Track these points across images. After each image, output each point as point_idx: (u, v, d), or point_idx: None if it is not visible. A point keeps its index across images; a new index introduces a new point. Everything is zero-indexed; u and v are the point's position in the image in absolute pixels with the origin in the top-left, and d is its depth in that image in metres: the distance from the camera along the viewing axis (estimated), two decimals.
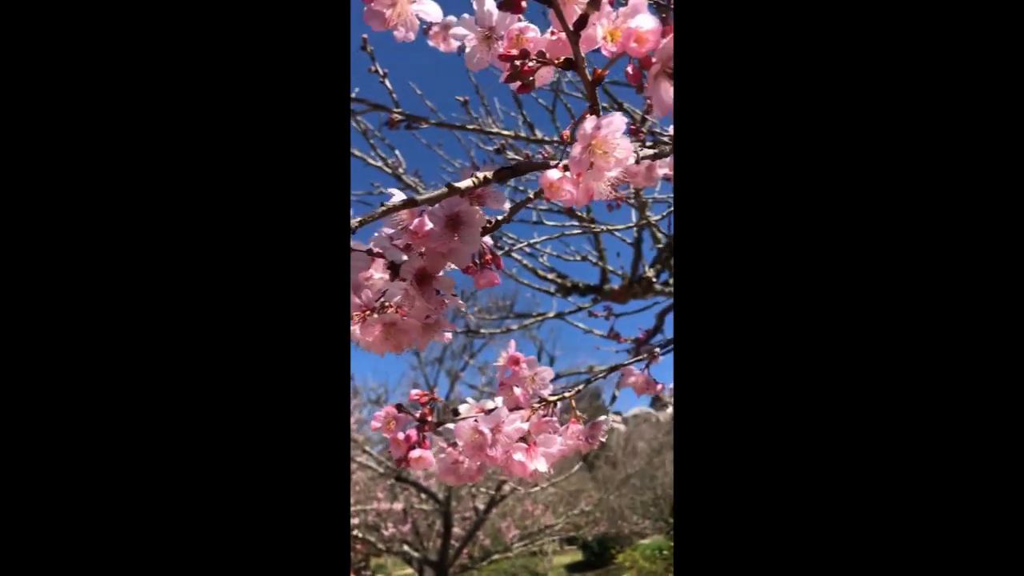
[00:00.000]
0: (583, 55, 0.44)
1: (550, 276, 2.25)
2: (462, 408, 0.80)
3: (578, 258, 2.16)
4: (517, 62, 0.42)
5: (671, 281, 2.04)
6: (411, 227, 0.48)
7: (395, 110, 1.27)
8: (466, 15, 0.48)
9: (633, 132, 1.10)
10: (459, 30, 0.49)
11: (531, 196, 0.51)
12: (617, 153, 0.42)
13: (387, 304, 0.55)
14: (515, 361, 0.75)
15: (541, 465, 0.71)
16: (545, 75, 0.49)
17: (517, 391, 0.73)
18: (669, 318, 2.00)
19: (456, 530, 4.80)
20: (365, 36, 1.33)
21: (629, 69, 0.40)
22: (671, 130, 0.92)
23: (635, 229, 1.69)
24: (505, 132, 1.41)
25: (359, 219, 0.42)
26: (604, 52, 0.40)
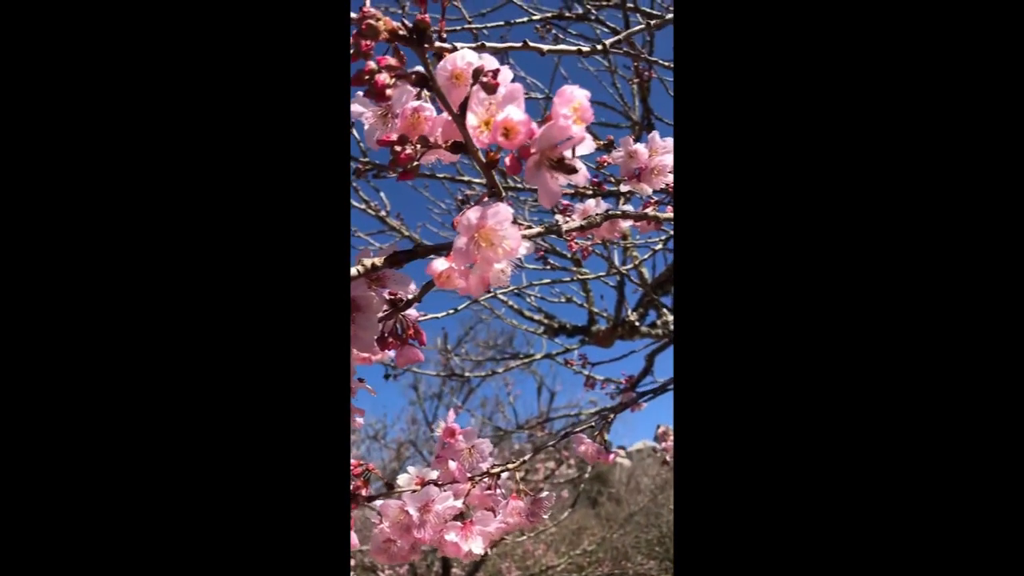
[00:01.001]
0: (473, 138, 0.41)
1: (536, 317, 2.22)
2: (401, 479, 0.76)
3: (563, 300, 2.13)
4: (397, 148, 0.40)
5: (658, 323, 2.00)
6: None
7: (362, 159, 1.26)
8: (360, 92, 0.46)
9: (596, 185, 1.08)
10: (355, 107, 0.47)
11: (431, 283, 0.48)
12: (505, 244, 0.39)
13: None
14: (451, 433, 0.71)
15: (476, 546, 0.67)
16: (449, 156, 0.46)
17: (452, 465, 0.69)
18: (659, 359, 1.96)
19: (455, 571, 4.68)
20: None
21: (507, 160, 0.37)
22: (624, 188, 0.90)
23: (617, 274, 1.66)
24: (477, 180, 1.40)
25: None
26: (477, 143, 0.38)
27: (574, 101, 0.35)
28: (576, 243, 1.14)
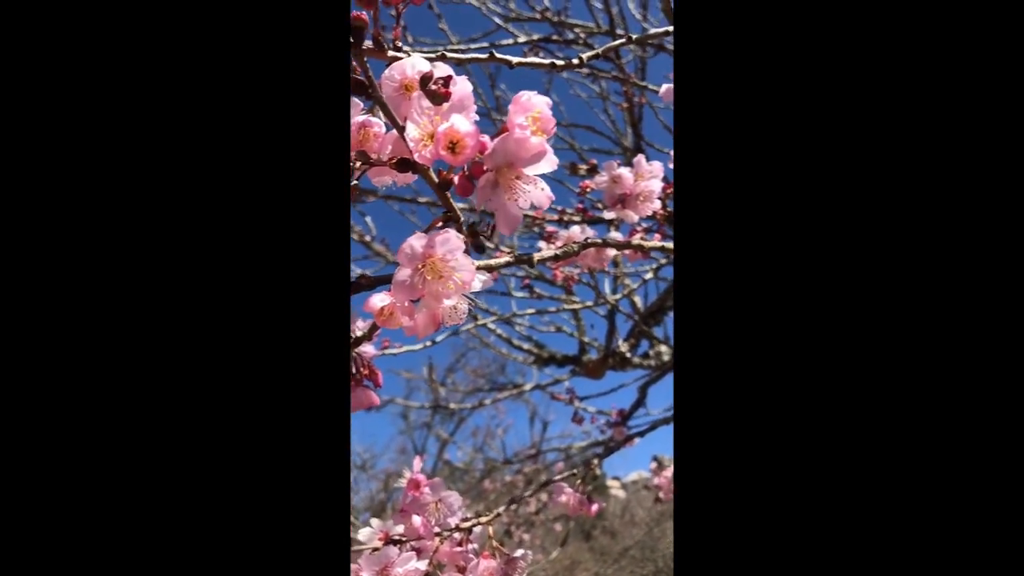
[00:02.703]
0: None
1: (525, 346, 2.16)
2: (362, 534, 0.69)
3: (553, 329, 2.07)
4: None
5: (650, 353, 1.94)
6: None
7: None
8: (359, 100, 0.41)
9: (580, 211, 1.03)
10: None
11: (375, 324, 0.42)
12: (456, 277, 0.34)
13: None
14: (415, 485, 0.64)
15: None
16: (401, 176, 0.41)
17: (417, 521, 0.62)
18: (652, 391, 1.89)
19: None
20: None
21: (456, 179, 0.32)
22: (608, 215, 0.85)
23: (605, 304, 1.61)
24: (460, 205, 1.35)
25: None
26: (419, 159, 0.32)
27: (532, 109, 0.29)
28: (561, 271, 1.08)
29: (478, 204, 0.31)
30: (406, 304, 0.35)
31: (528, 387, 2.22)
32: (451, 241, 0.33)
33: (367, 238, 1.94)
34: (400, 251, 0.33)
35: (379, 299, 0.35)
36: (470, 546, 0.67)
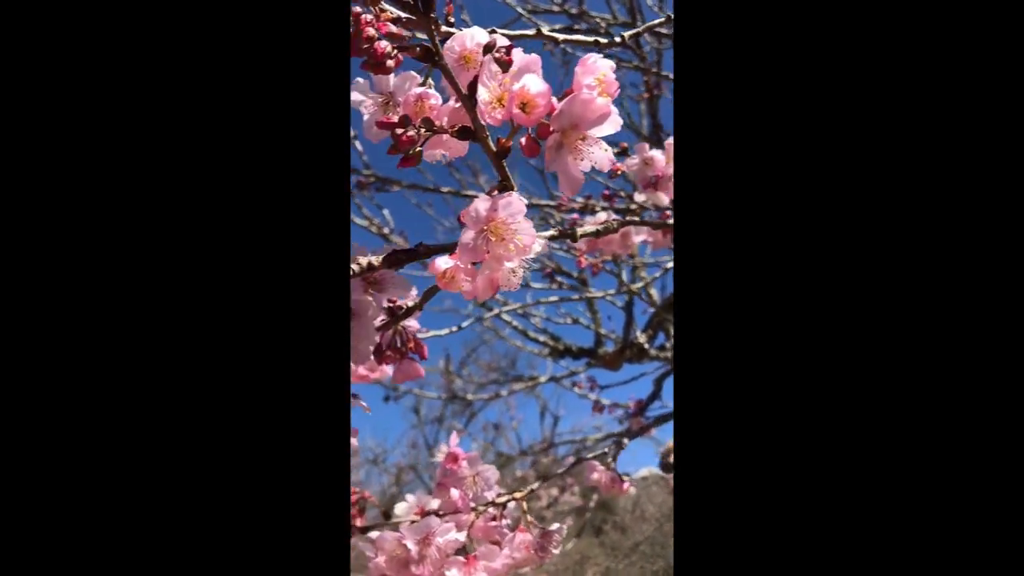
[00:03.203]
0: (483, 124, 0.37)
1: (541, 338, 2.17)
2: (399, 508, 0.70)
3: (569, 321, 2.07)
4: (398, 131, 0.36)
5: (667, 345, 1.94)
6: None
7: (364, 172, 1.22)
8: (360, 78, 0.42)
9: (607, 198, 1.04)
10: (355, 96, 0.42)
11: (435, 287, 0.43)
12: (517, 240, 0.35)
13: None
14: (453, 459, 0.65)
15: None
16: (457, 147, 0.42)
17: (455, 494, 0.64)
18: (667, 383, 1.90)
19: None
20: None
21: (523, 140, 0.33)
22: (639, 197, 0.86)
23: (627, 293, 1.61)
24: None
25: None
26: (489, 120, 0.33)
27: (598, 71, 0.30)
28: (585, 259, 1.09)
29: (547, 166, 0.33)
30: (468, 266, 0.36)
31: (543, 379, 2.23)
32: (514, 204, 0.34)
33: (385, 230, 1.96)
34: (466, 213, 0.35)
35: (443, 262, 0.36)
36: (504, 522, 0.68)
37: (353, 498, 0.67)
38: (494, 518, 0.68)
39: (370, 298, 0.42)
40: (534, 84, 0.30)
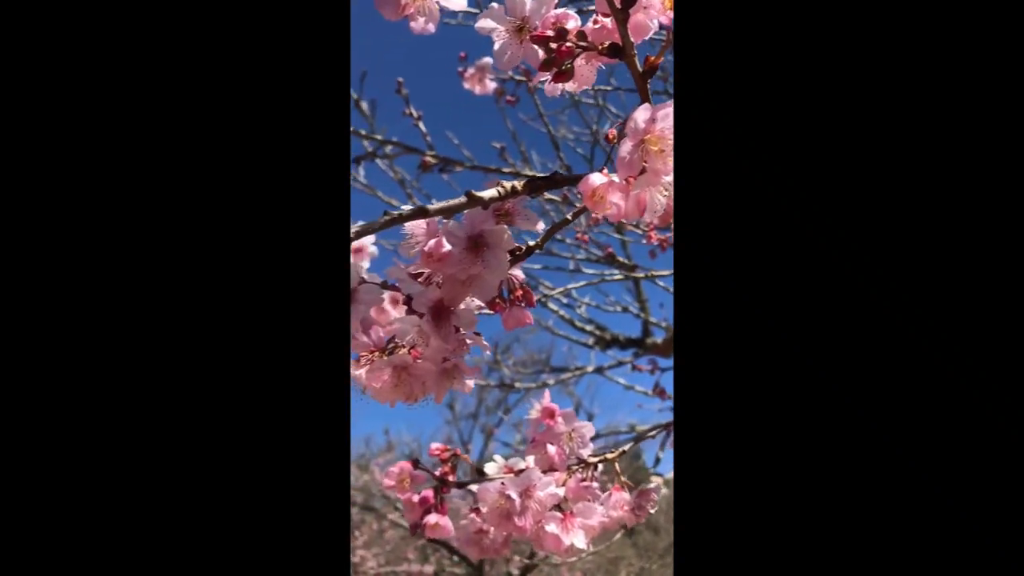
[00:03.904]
0: (632, 42, 0.36)
1: (588, 328, 2.15)
2: (489, 468, 0.70)
3: (618, 309, 2.06)
4: (553, 43, 0.35)
5: None
6: (426, 249, 0.40)
7: (428, 153, 1.23)
8: (495, 3, 0.42)
9: None
10: (487, 23, 0.42)
11: (569, 217, 0.43)
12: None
13: (398, 344, 0.48)
14: (550, 414, 0.65)
15: (579, 540, 0.60)
16: (587, 75, 0.41)
17: (551, 449, 0.63)
18: None
19: None
20: (400, 80, 1.31)
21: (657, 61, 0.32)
22: None
23: None
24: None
25: (356, 227, 0.35)
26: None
27: None
28: (656, 235, 1.07)
29: None
30: (623, 181, 0.36)
31: (590, 368, 2.20)
32: (671, 116, 0.34)
33: None
34: (625, 125, 0.34)
35: (597, 178, 0.36)
36: (594, 483, 0.67)
37: (445, 455, 0.66)
38: (584, 479, 0.67)
39: (504, 226, 0.42)
40: None
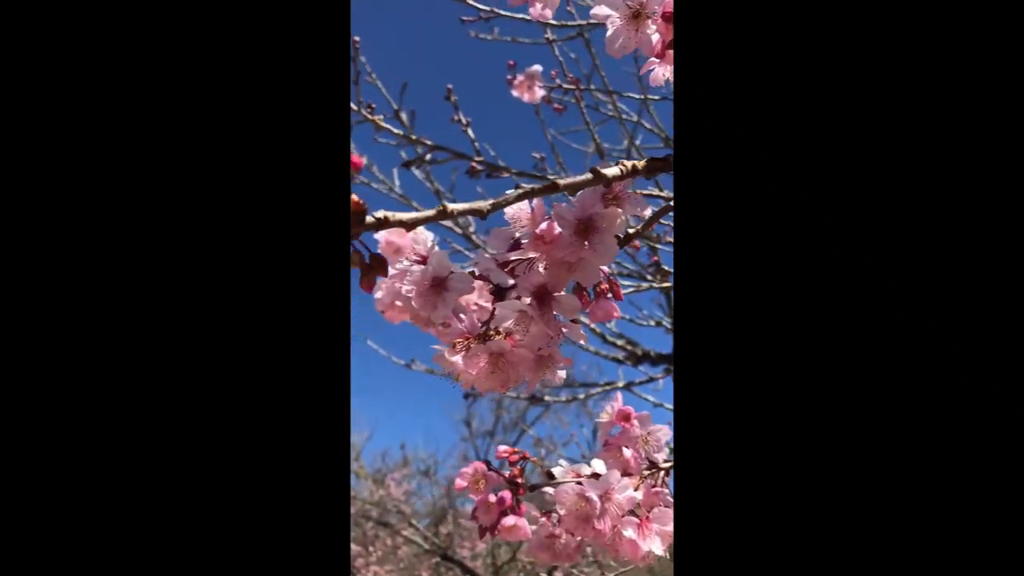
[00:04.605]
0: None
1: (619, 342, 2.13)
2: (557, 471, 0.68)
3: (652, 323, 2.03)
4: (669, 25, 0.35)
5: None
6: (538, 231, 0.40)
7: (476, 159, 1.23)
8: None
9: None
10: (601, 9, 0.42)
11: (670, 205, 0.42)
12: None
13: (494, 330, 0.47)
14: (625, 416, 0.63)
15: (656, 547, 0.58)
16: None
17: (627, 453, 0.61)
18: None
19: None
20: (449, 86, 1.33)
21: None
22: None
23: None
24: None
25: (490, 202, 0.34)
26: None
27: None
28: None
29: None
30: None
31: (620, 384, 2.18)
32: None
33: (470, 229, 1.97)
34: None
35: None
36: (665, 489, 0.65)
37: (514, 458, 0.65)
38: (655, 485, 0.65)
39: (616, 208, 0.41)
40: None
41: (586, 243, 0.41)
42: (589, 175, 0.37)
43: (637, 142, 1.82)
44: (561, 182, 0.37)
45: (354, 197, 0.29)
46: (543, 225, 0.40)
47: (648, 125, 1.88)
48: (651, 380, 2.19)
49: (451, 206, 0.32)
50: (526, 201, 0.40)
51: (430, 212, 0.31)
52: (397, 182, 2.33)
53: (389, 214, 0.30)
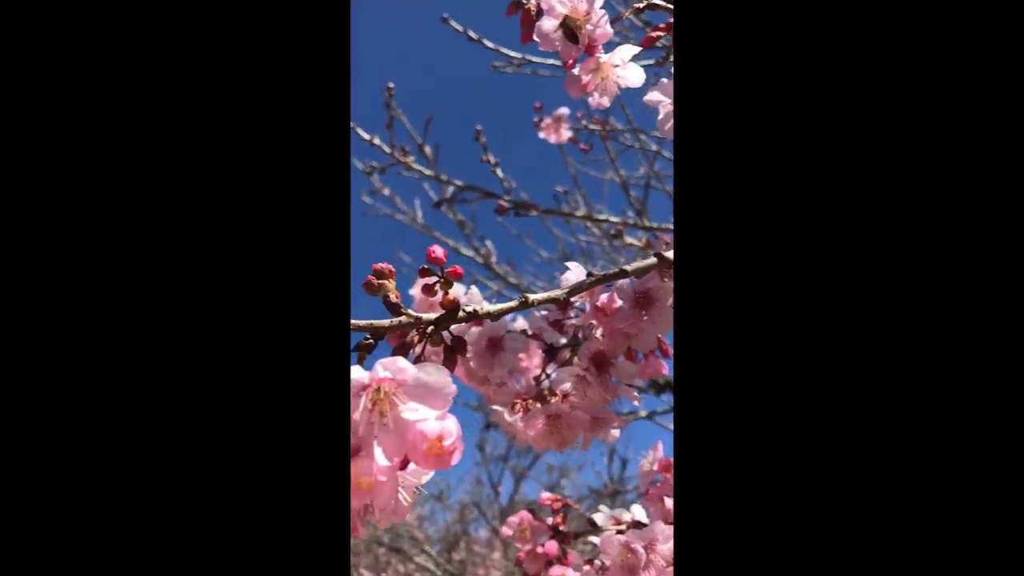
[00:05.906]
0: None
1: None
2: (598, 518, 0.70)
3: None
4: None
5: None
6: (599, 304, 0.42)
7: (504, 198, 1.27)
8: (665, 79, 0.44)
9: None
10: (655, 95, 0.45)
11: None
12: None
13: (551, 392, 0.49)
14: (666, 467, 0.65)
15: None
16: None
17: (669, 503, 0.63)
18: None
19: None
20: (479, 127, 1.37)
21: None
22: None
23: None
24: (614, 219, 1.38)
25: (567, 290, 0.37)
26: None
27: None
28: None
29: None
30: None
31: (643, 414, 2.18)
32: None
33: (491, 260, 2.00)
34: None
35: None
36: None
37: (557, 505, 0.67)
38: None
39: (668, 281, 0.43)
40: None
41: (644, 313, 0.43)
42: (654, 259, 0.39)
43: (655, 168, 1.85)
44: (629, 268, 0.39)
45: (450, 295, 0.31)
46: (603, 297, 0.42)
47: (667, 154, 1.91)
48: (672, 410, 2.19)
49: (531, 296, 0.34)
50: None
51: (513, 303, 0.33)
52: (419, 213, 2.38)
53: (478, 307, 0.32)
